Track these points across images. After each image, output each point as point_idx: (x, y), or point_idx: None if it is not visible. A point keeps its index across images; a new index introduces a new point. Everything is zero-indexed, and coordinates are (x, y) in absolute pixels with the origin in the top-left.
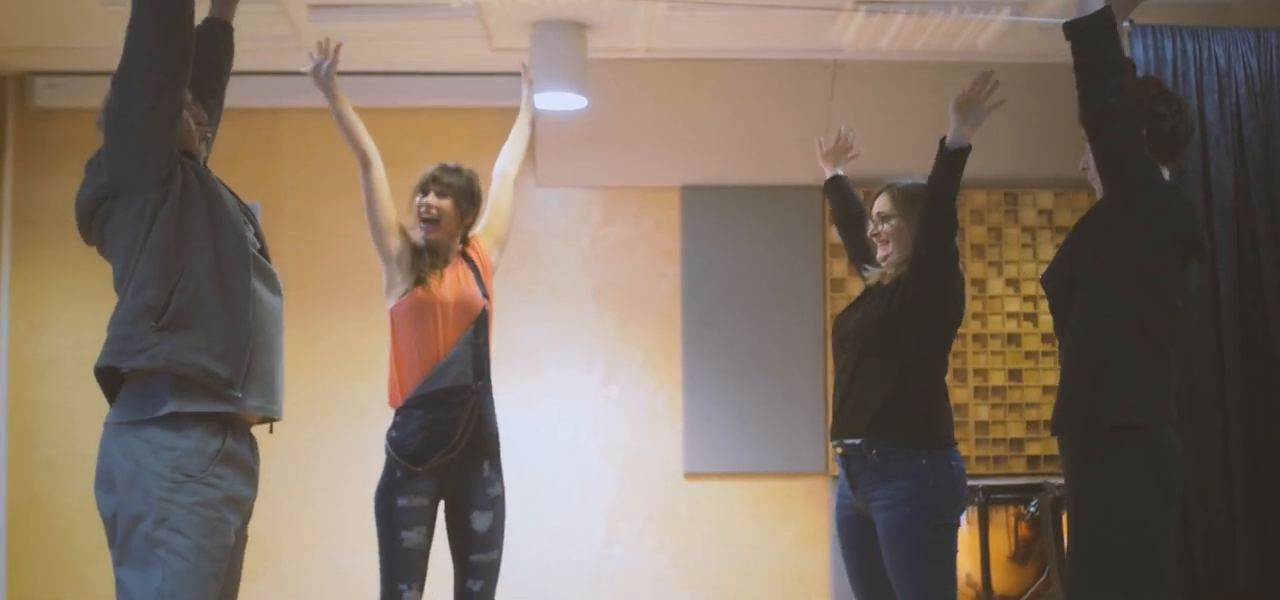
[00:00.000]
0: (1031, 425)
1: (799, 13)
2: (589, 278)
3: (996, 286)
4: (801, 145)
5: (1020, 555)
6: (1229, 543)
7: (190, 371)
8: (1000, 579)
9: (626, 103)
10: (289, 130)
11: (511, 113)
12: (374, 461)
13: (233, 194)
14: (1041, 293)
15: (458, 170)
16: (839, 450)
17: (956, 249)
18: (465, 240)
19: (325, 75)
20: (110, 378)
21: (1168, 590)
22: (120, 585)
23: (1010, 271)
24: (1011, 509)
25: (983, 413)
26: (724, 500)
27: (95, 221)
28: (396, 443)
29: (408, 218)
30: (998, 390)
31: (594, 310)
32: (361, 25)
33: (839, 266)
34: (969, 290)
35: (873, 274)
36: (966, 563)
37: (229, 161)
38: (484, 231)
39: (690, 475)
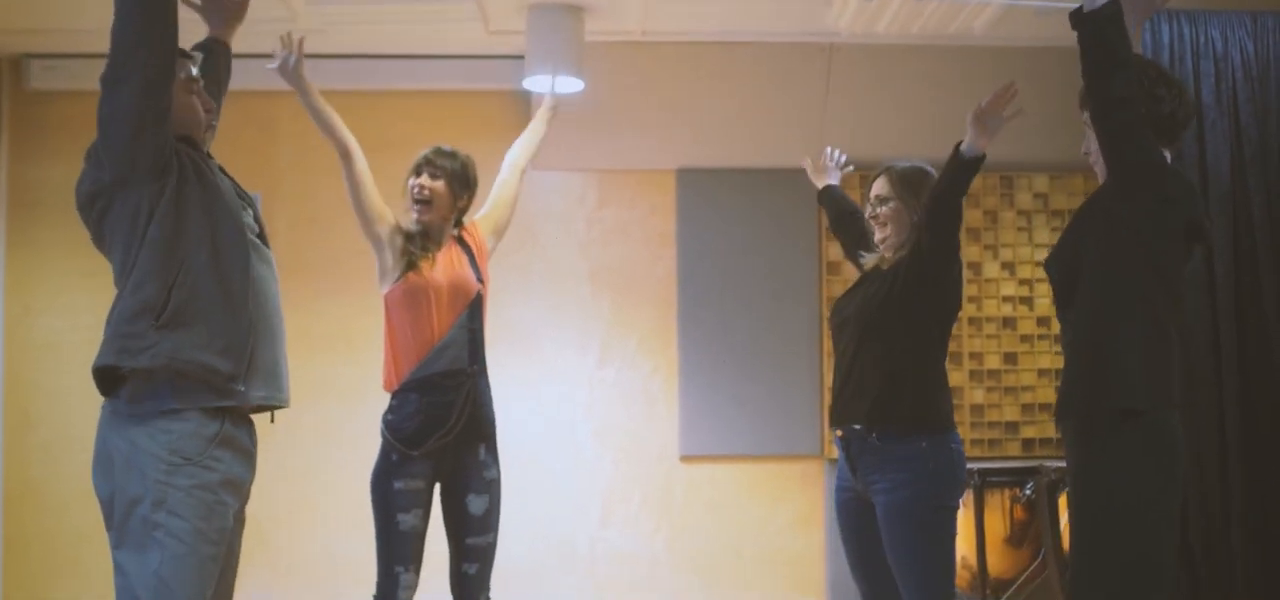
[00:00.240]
0: (1026, 408)
1: None
2: (585, 260)
3: (992, 270)
4: (798, 128)
5: (1015, 538)
6: (1226, 540)
7: (192, 369)
8: (995, 562)
9: (623, 86)
10: (286, 113)
11: (508, 96)
12: (370, 444)
13: (232, 180)
14: (1037, 276)
15: (452, 154)
16: (839, 434)
17: (958, 240)
18: (459, 224)
19: (293, 69)
20: (108, 372)
21: (1171, 575)
22: (118, 568)
23: (1006, 255)
24: (1007, 492)
25: (978, 396)
26: (719, 483)
27: (92, 215)
28: (392, 426)
29: (402, 201)
30: (993, 373)
31: (590, 293)
32: (358, 8)
33: (835, 249)
34: (965, 274)
35: (870, 259)
36: (961, 546)
37: (227, 145)
38: (484, 218)
39: (686, 458)
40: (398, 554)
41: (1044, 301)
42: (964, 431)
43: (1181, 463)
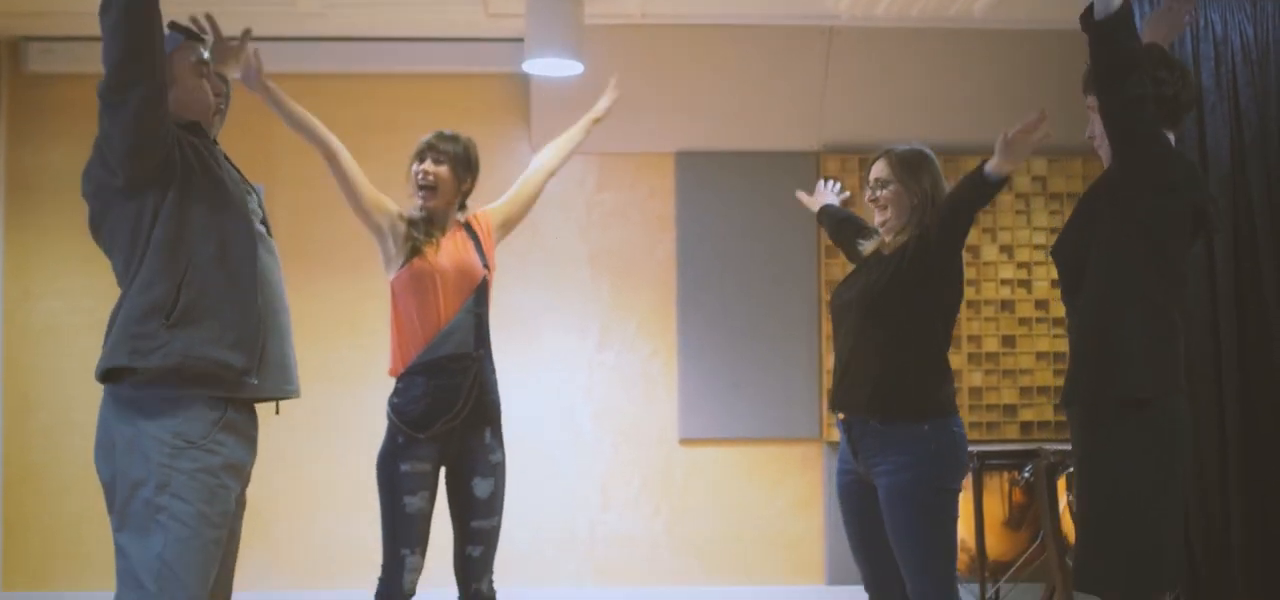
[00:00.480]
0: (1025, 391)
1: None
2: (584, 244)
3: (990, 253)
4: (797, 112)
5: (1014, 521)
6: (1225, 540)
7: (204, 366)
8: (994, 544)
9: (622, 69)
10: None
11: (507, 78)
12: (369, 428)
13: (236, 169)
14: (1036, 259)
15: (454, 138)
16: (840, 417)
17: (963, 241)
18: (463, 207)
19: (257, 81)
20: (120, 371)
21: (1178, 559)
22: (120, 551)
23: (1004, 238)
24: (1006, 475)
25: (976, 379)
26: (719, 466)
27: (95, 206)
28: (399, 409)
29: (406, 185)
30: (991, 356)
31: (589, 276)
32: None
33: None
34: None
35: (869, 244)
36: (960, 528)
37: (226, 128)
38: (496, 209)
39: (685, 441)
40: (403, 536)
41: (1042, 285)
42: (962, 414)
43: (1188, 448)
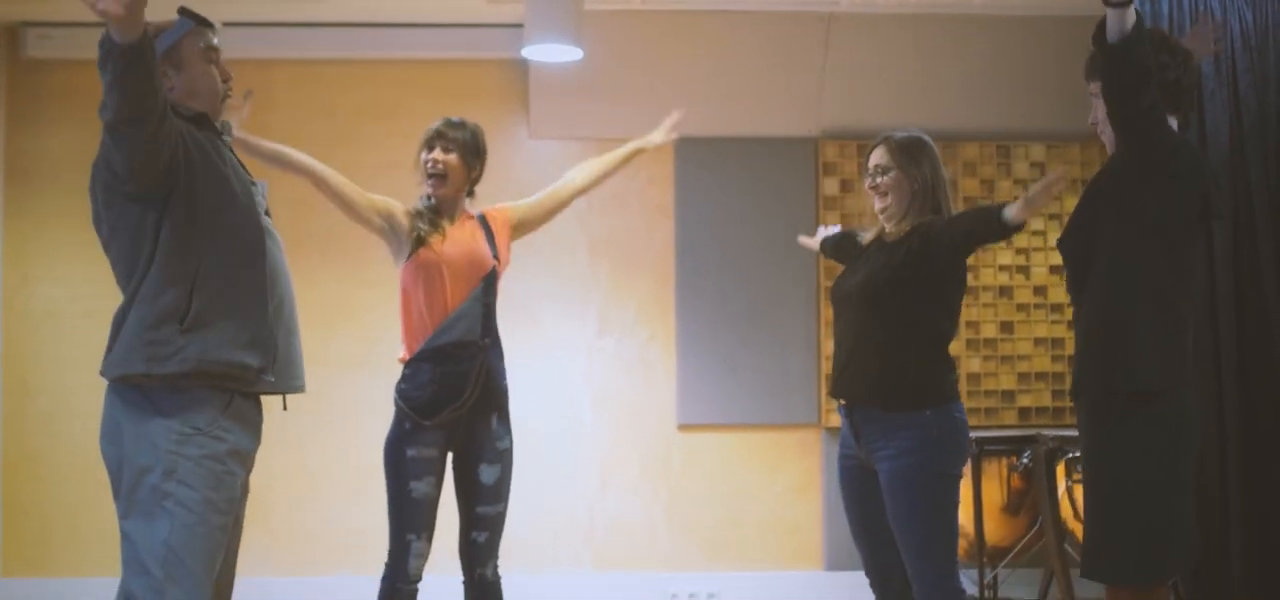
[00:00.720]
0: (1023, 377)
1: None
2: (583, 230)
3: None
4: (796, 98)
5: (1012, 506)
6: (1225, 540)
7: (221, 368)
8: (992, 530)
9: (621, 55)
10: (281, 81)
11: (507, 65)
12: (368, 415)
13: (240, 164)
14: (1033, 245)
15: (462, 125)
16: (842, 403)
17: None
18: (471, 193)
19: (234, 133)
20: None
21: (1184, 544)
22: (126, 537)
23: None
24: (1004, 460)
25: (974, 364)
26: (717, 451)
27: (99, 200)
28: (406, 395)
29: (407, 172)
30: (989, 342)
31: (588, 262)
32: None
33: (832, 218)
34: None
35: (868, 233)
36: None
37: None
38: (516, 208)
39: (684, 426)
40: (409, 521)
41: (1041, 270)
42: (961, 400)
43: (1195, 439)
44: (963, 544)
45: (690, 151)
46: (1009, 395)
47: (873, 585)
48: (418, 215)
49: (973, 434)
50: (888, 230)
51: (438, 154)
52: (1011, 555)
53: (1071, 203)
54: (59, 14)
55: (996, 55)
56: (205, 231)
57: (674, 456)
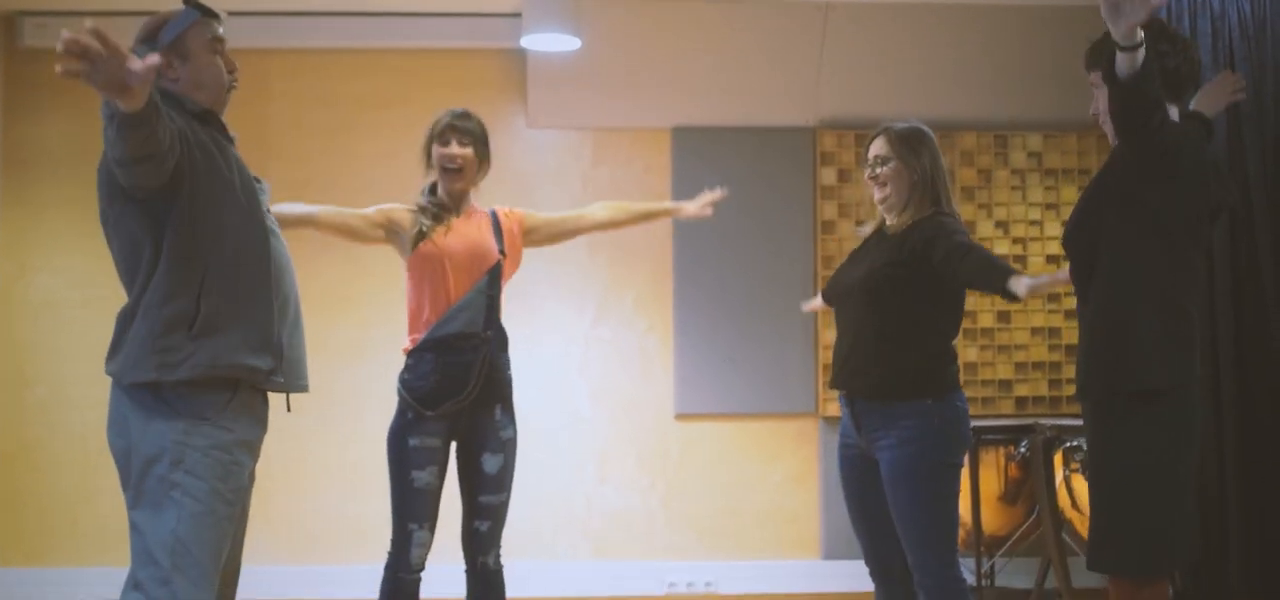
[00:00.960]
0: (1020, 367)
1: None
2: None
3: (986, 229)
4: (793, 88)
5: (1010, 496)
6: (1223, 540)
7: (233, 372)
8: (990, 519)
9: (619, 44)
10: (279, 71)
11: (505, 54)
12: (365, 404)
13: (243, 164)
14: (1031, 235)
15: (469, 115)
16: (842, 392)
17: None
18: (476, 183)
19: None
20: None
21: (1188, 534)
22: (134, 528)
23: (1000, 214)
24: (1001, 450)
25: (971, 354)
26: (715, 441)
27: (104, 199)
28: (408, 385)
29: (422, 162)
30: (986, 332)
31: (586, 252)
32: None
33: (829, 208)
34: None
35: (868, 225)
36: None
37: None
38: (531, 216)
39: (681, 416)
40: (411, 511)
41: (1037, 260)
42: None
43: (1198, 430)
44: (960, 533)
45: (687, 141)
46: (1006, 385)
47: (872, 574)
48: (422, 211)
49: (970, 423)
50: (888, 222)
51: (454, 148)
52: (1009, 544)
53: (1068, 193)
54: (55, 3)
55: (994, 45)
56: (210, 234)
57: (672, 446)
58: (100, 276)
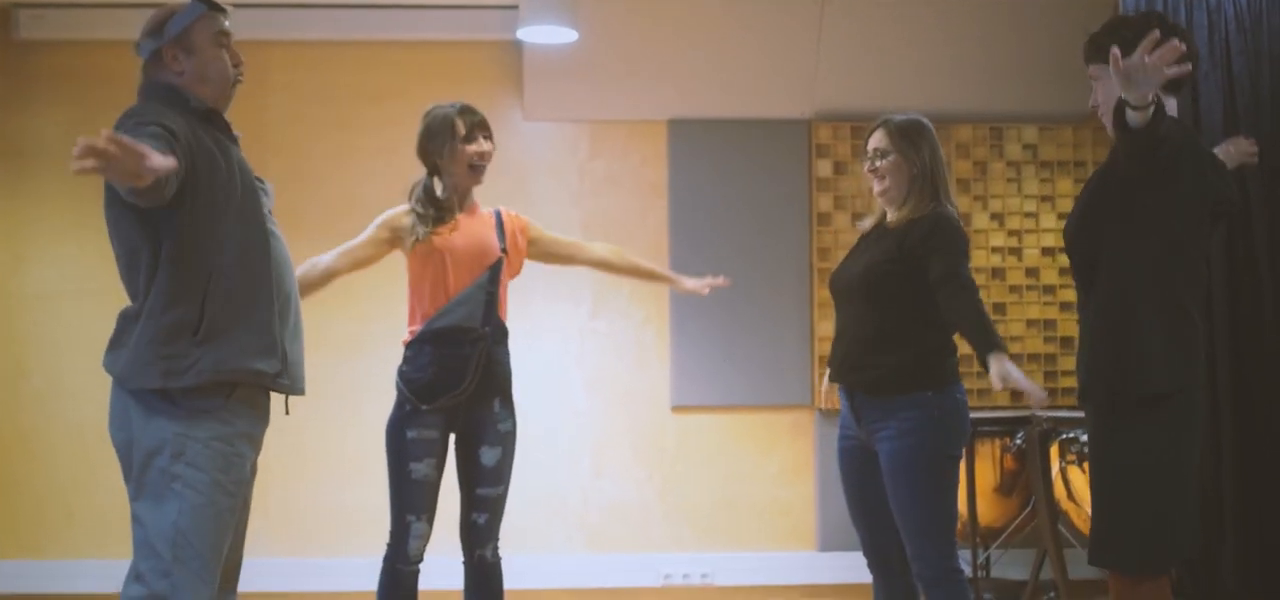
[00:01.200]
0: (1015, 358)
1: None
2: (577, 211)
3: (981, 221)
4: (790, 80)
5: (1006, 487)
6: (1221, 540)
7: (238, 376)
8: (986, 510)
9: (615, 36)
10: (278, 63)
11: (500, 46)
12: (364, 397)
13: (246, 164)
14: (1026, 227)
15: (476, 111)
16: (842, 386)
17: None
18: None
19: None
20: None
21: (1189, 529)
22: (136, 520)
23: (995, 206)
24: (997, 441)
25: (967, 346)
26: (710, 433)
27: (108, 195)
28: (406, 376)
29: (405, 153)
30: None
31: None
32: None
33: (825, 201)
34: None
35: (867, 220)
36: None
37: None
38: (535, 225)
39: (677, 408)
40: (409, 503)
41: (1033, 253)
42: None
43: (1200, 429)
44: (957, 525)
45: (683, 132)
46: None
47: (871, 566)
48: (421, 218)
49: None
50: (888, 216)
51: (487, 145)
52: (1005, 536)
53: (1064, 186)
54: None
55: (989, 37)
56: (211, 240)
57: (667, 438)
58: (97, 268)
